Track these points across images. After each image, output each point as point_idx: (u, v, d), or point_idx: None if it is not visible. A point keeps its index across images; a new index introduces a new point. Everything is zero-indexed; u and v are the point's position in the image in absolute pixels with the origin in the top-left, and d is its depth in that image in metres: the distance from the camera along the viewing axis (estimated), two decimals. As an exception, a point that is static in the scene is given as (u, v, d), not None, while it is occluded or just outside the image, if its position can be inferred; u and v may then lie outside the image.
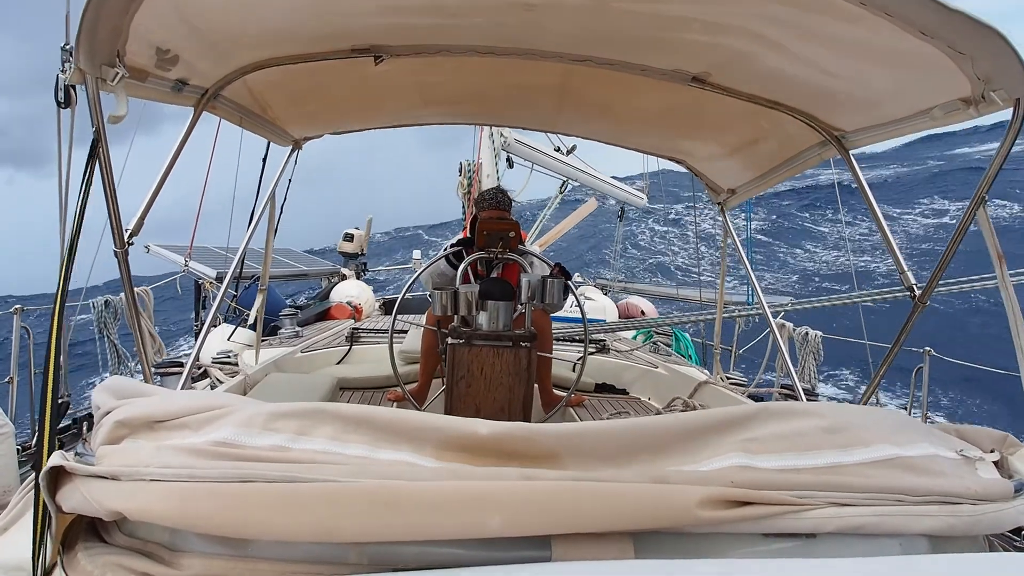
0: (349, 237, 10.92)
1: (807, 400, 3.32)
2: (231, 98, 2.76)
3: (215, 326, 5.35)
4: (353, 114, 3.70)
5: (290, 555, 1.05)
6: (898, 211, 37.30)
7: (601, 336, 5.86)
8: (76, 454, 1.16)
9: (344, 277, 10.23)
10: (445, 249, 3.74)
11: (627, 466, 1.20)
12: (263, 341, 4.47)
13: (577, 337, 5.48)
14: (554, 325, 4.21)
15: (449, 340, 3.15)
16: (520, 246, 3.52)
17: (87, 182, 1.78)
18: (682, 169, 4.08)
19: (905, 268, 2.53)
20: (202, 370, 4.02)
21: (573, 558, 1.03)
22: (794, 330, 5.75)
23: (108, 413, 1.24)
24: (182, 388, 2.65)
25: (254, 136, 3.42)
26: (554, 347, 4.15)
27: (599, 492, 1.07)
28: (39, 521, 1.10)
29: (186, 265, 7.69)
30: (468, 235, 3.74)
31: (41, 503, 1.09)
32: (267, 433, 1.17)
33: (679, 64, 2.63)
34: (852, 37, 1.98)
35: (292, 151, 3.79)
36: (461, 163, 9.61)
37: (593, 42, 2.55)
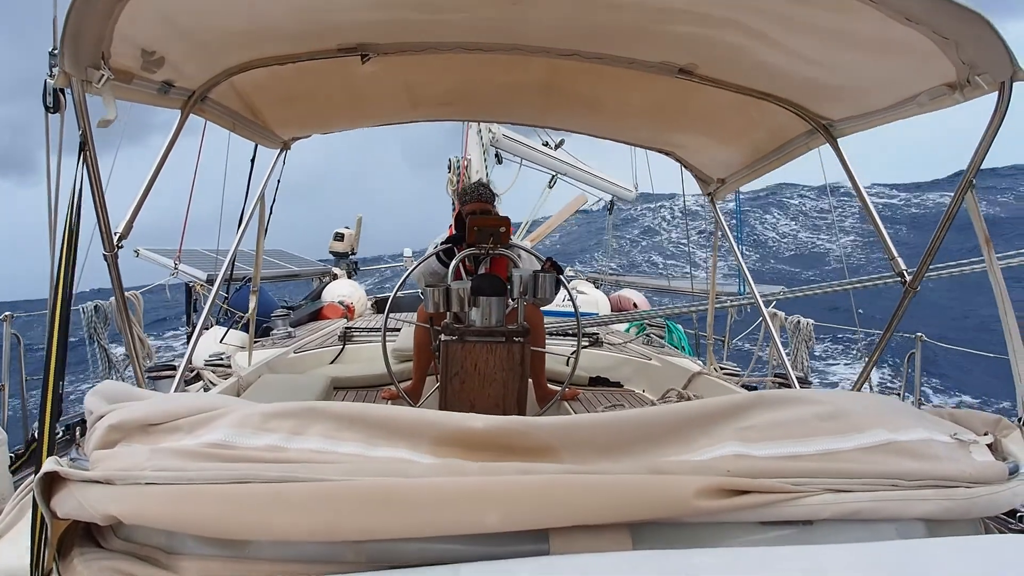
0: (339, 236, 10.89)
1: (800, 388, 3.33)
2: (218, 100, 2.75)
3: (207, 328, 5.32)
4: (341, 114, 3.69)
5: (288, 555, 1.05)
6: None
7: (594, 329, 5.88)
8: (70, 459, 1.14)
9: (336, 277, 10.20)
10: (435, 247, 3.74)
11: (623, 458, 1.20)
12: (256, 342, 4.45)
13: (570, 331, 5.48)
14: (547, 320, 4.22)
15: (442, 337, 3.14)
16: (510, 240, 3.52)
17: (81, 181, 1.77)
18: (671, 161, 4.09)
19: (895, 254, 2.54)
20: (195, 373, 4.00)
21: (571, 551, 1.03)
22: (786, 319, 5.78)
23: (101, 418, 1.23)
24: (175, 391, 2.63)
25: (242, 139, 3.41)
26: (547, 342, 4.15)
27: (596, 484, 1.07)
28: (37, 528, 1.09)
29: (176, 268, 7.63)
30: (455, 231, 3.72)
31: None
32: (262, 433, 1.16)
33: (666, 56, 2.63)
34: (838, 26, 1.98)
35: (280, 152, 3.78)
36: (450, 159, 9.62)
37: (579, 35, 2.55)
